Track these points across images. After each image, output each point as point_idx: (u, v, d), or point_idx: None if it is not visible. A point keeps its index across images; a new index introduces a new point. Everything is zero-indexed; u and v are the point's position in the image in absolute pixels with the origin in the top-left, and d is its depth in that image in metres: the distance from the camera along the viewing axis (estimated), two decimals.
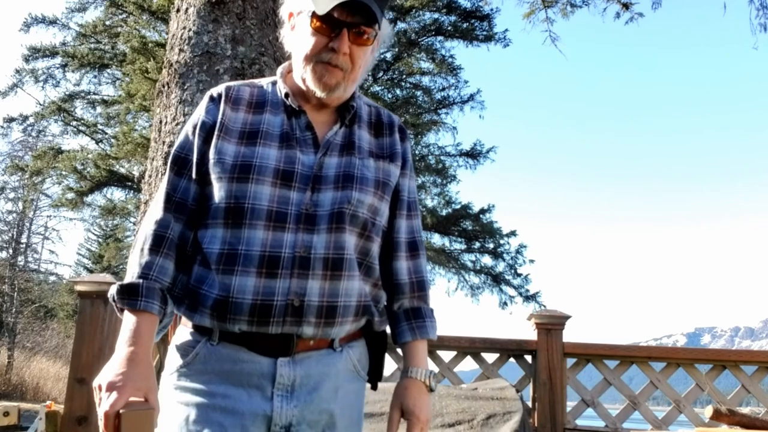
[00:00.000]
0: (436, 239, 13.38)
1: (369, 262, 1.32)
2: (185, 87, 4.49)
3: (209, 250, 1.24)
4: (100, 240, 28.94)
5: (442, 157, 13.44)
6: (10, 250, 23.98)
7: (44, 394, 15.76)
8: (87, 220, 24.90)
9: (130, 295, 1.20)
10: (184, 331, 1.28)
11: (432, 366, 4.28)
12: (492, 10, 12.40)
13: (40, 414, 5.24)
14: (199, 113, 1.35)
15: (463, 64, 15.53)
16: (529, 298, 12.93)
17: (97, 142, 14.63)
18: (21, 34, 14.18)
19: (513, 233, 13.12)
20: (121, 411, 1.07)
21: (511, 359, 4.29)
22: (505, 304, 13.02)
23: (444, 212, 13.25)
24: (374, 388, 1.40)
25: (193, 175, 1.30)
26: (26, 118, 14.74)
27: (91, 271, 26.14)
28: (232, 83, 1.39)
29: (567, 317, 4.21)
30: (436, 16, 12.73)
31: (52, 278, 27.77)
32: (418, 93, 13.38)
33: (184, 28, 4.66)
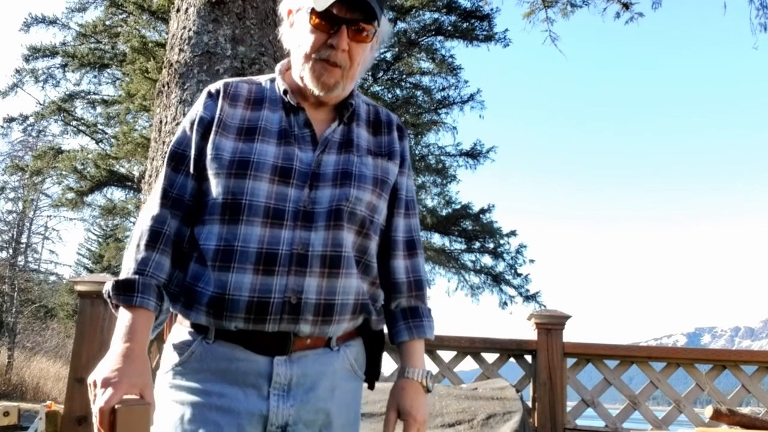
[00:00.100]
0: (436, 239, 13.39)
1: (367, 260, 1.31)
2: (185, 87, 4.49)
3: (205, 247, 1.23)
4: (100, 240, 28.93)
5: (442, 157, 13.45)
6: (10, 250, 23.98)
7: (44, 394, 15.76)
8: (87, 220, 24.91)
9: (125, 291, 1.19)
10: (179, 329, 1.27)
11: (432, 366, 4.28)
12: (492, 10, 12.41)
13: (40, 414, 5.24)
14: (196, 109, 1.34)
15: (463, 64, 15.53)
16: (529, 298, 12.94)
17: (97, 142, 14.63)
18: (21, 34, 14.20)
19: (513, 233, 13.13)
20: (116, 407, 1.06)
21: (511, 359, 4.29)
22: (505, 304, 13.04)
23: (444, 212, 13.25)
24: (371, 387, 1.39)
25: (191, 171, 1.29)
26: (26, 118, 14.75)
27: (91, 271, 26.14)
28: (230, 80, 1.38)
29: (567, 317, 4.21)
30: (436, 16, 12.73)
31: (52, 278, 27.80)
32: (418, 93, 13.38)
33: (184, 28, 4.66)
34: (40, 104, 14.95)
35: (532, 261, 13.20)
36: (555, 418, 4.00)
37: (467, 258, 13.48)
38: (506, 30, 12.57)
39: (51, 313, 25.71)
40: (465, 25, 12.52)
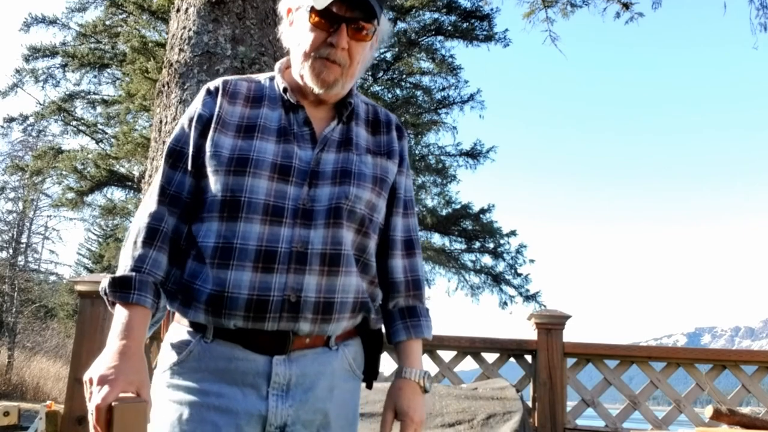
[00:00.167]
0: (436, 239, 13.39)
1: (366, 259, 1.31)
2: (185, 87, 4.49)
3: (204, 244, 1.22)
4: (100, 240, 28.91)
5: (442, 157, 13.45)
6: (10, 250, 23.98)
7: (44, 394, 15.74)
8: (87, 220, 24.91)
9: (122, 288, 1.18)
10: (177, 328, 1.26)
11: (432, 366, 4.28)
12: (492, 10, 12.41)
13: (40, 414, 5.24)
14: (195, 106, 1.33)
15: (463, 64, 15.53)
16: (529, 298, 12.94)
17: (97, 142, 14.63)
18: (21, 34, 14.21)
19: (513, 233, 13.13)
20: (113, 404, 1.04)
21: (511, 359, 4.29)
22: (505, 304, 13.04)
23: (444, 212, 13.25)
24: (369, 387, 1.38)
25: (189, 168, 1.28)
26: (26, 118, 14.75)
27: (91, 271, 26.14)
28: (229, 77, 1.38)
29: (567, 317, 4.21)
30: (436, 16, 12.73)
31: (52, 278, 27.79)
32: (418, 93, 13.38)
33: (184, 28, 4.65)
34: (40, 104, 14.97)
35: (532, 261, 13.20)
36: (555, 418, 4.00)
37: (467, 258, 13.49)
38: (506, 30, 12.59)
39: (51, 313, 25.70)
40: (465, 25, 12.52)
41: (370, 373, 1.37)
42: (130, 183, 13.04)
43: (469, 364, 4.49)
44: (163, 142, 4.50)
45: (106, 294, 1.20)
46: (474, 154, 13.14)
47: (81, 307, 3.95)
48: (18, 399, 14.58)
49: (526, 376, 4.23)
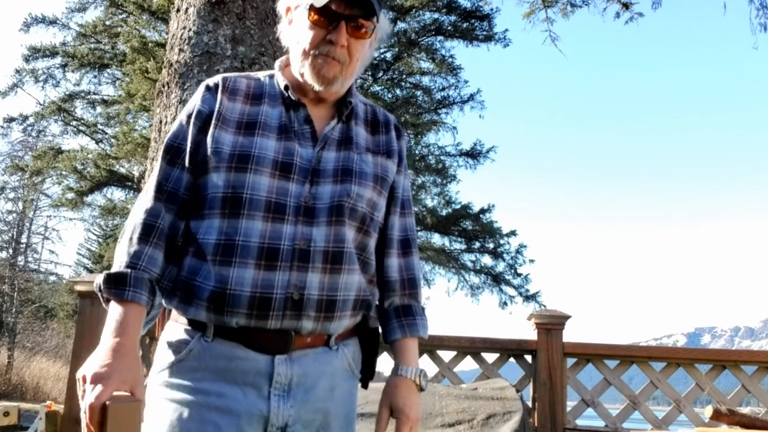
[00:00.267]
0: (436, 239, 13.41)
1: (366, 258, 1.31)
2: (185, 87, 4.49)
3: (205, 241, 1.21)
4: (100, 240, 28.89)
5: (442, 157, 13.46)
6: (10, 250, 23.98)
7: (44, 394, 15.74)
8: (87, 220, 24.92)
9: (117, 285, 1.17)
10: (175, 327, 1.25)
11: (432, 366, 4.28)
12: (492, 10, 12.42)
13: (40, 414, 5.25)
14: (194, 102, 1.33)
15: (463, 64, 15.54)
16: (529, 298, 12.95)
17: (97, 142, 14.64)
18: (21, 34, 14.21)
19: (513, 233, 13.14)
20: (107, 403, 1.03)
21: (511, 359, 4.28)
22: (505, 304, 13.05)
23: (444, 212, 13.25)
24: (365, 386, 1.37)
25: (187, 165, 1.27)
26: (26, 118, 14.77)
27: (91, 271, 26.15)
28: (228, 74, 1.38)
29: (567, 317, 4.21)
30: (436, 16, 12.74)
31: (52, 278, 27.79)
32: (418, 93, 13.39)
33: (184, 28, 4.66)
34: (40, 104, 14.99)
35: (532, 261, 13.21)
36: (555, 418, 4.00)
37: (467, 258, 13.50)
38: (506, 30, 12.60)
39: (51, 313, 25.70)
40: (465, 25, 12.53)
41: (367, 373, 1.36)
42: (130, 183, 13.05)
43: (469, 364, 4.49)
44: (163, 142, 4.50)
45: (100, 290, 1.19)
46: (474, 154, 13.15)
47: (81, 307, 3.95)
48: (18, 399, 14.59)
49: (526, 376, 4.23)
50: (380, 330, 1.40)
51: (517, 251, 13.11)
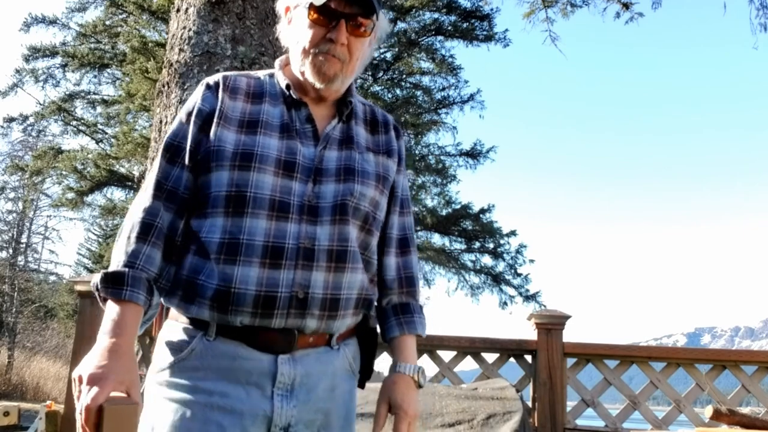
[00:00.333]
0: (436, 239, 13.41)
1: (368, 257, 1.32)
2: (185, 87, 4.49)
3: (208, 239, 1.20)
4: (100, 240, 28.90)
5: (442, 157, 13.46)
6: (10, 250, 23.98)
7: (44, 394, 15.74)
8: (87, 220, 24.93)
9: (114, 284, 1.15)
10: (174, 326, 1.23)
11: (432, 366, 4.28)
12: (492, 10, 12.42)
13: (40, 414, 5.24)
14: (194, 100, 1.32)
15: (463, 64, 15.55)
16: (529, 298, 12.95)
17: (97, 142, 14.65)
18: (21, 34, 14.22)
19: (513, 233, 13.14)
20: (103, 405, 1.01)
21: (511, 359, 4.29)
22: (505, 304, 13.05)
23: (444, 212, 13.26)
24: (362, 386, 1.37)
25: (186, 163, 1.26)
26: (26, 118, 14.77)
27: (91, 271, 26.15)
28: (228, 73, 1.37)
29: (567, 317, 4.21)
30: (436, 16, 12.74)
31: (52, 278, 27.78)
32: (418, 93, 13.39)
33: (184, 27, 4.66)
34: (40, 104, 14.99)
35: (532, 261, 13.21)
36: (555, 418, 4.00)
37: (467, 258, 13.50)
38: (506, 30, 12.60)
39: (51, 313, 25.69)
40: (465, 25, 12.53)
41: (365, 373, 1.36)
42: (130, 183, 13.05)
43: (469, 364, 4.49)
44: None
45: (97, 290, 1.17)
46: (474, 154, 13.15)
47: (81, 307, 3.95)
48: (18, 399, 14.58)
49: (526, 376, 4.23)
50: (379, 329, 1.41)
51: (517, 251, 13.12)
